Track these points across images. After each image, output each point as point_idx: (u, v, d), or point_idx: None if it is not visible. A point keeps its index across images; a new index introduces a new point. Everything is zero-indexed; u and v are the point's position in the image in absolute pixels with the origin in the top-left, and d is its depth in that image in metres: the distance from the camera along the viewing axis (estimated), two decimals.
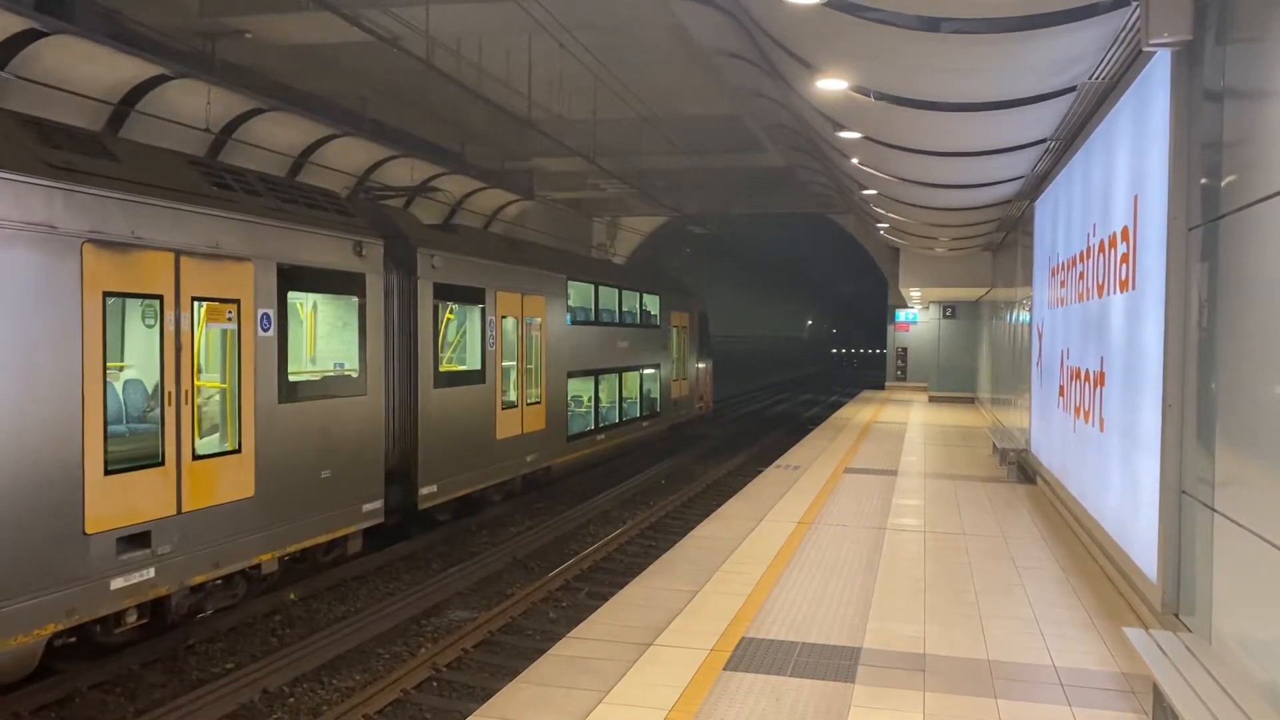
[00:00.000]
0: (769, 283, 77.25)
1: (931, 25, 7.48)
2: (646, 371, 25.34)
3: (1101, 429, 9.48)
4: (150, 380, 9.52)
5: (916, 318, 39.06)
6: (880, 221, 23.25)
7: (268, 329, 10.62)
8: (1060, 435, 12.36)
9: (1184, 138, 6.79)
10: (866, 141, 12.54)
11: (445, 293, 14.79)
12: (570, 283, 19.96)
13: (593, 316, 21.57)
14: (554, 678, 6.41)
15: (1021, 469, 15.60)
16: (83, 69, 13.58)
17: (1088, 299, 10.39)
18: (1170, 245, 6.88)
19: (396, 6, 15.20)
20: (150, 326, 9.43)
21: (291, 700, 9.08)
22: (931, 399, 34.74)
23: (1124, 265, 8.48)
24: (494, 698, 6.14)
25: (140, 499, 8.87)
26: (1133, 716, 5.94)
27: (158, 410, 9.23)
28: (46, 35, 12.57)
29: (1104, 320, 9.47)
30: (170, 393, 9.24)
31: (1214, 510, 6.07)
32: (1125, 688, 6.42)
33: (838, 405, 38.13)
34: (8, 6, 11.79)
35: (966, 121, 10.36)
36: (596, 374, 21.55)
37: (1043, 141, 11.85)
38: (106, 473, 8.49)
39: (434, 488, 14.37)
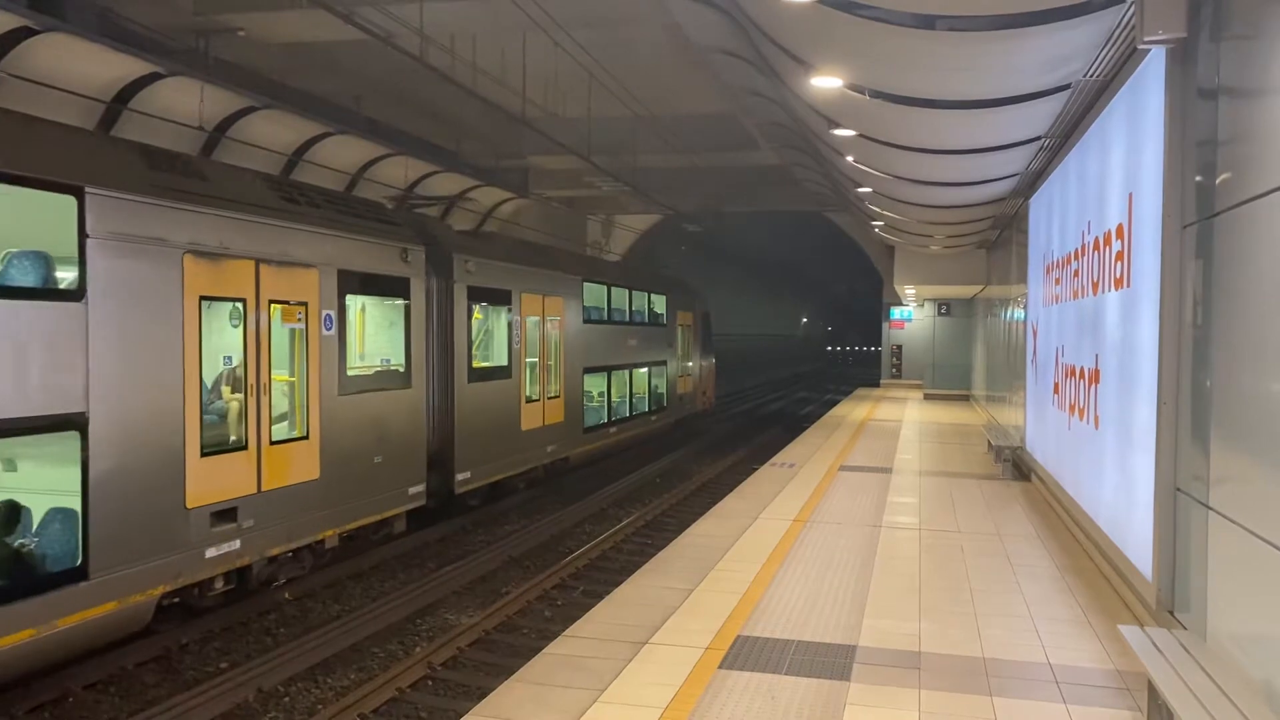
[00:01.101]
0: (764, 280, 77.30)
1: (926, 23, 7.48)
2: (654, 368, 26.40)
3: (1096, 426, 9.49)
4: (236, 374, 10.64)
5: (911, 315, 39.11)
6: (875, 219, 23.27)
7: (330, 328, 11.85)
8: (1055, 433, 12.37)
9: (1178, 135, 6.79)
10: (861, 139, 12.54)
11: (477, 295, 15.91)
12: (585, 284, 21.02)
13: (605, 316, 22.60)
14: (549, 676, 6.41)
15: (1016, 466, 15.62)
16: (76, 67, 13.54)
17: (1082, 296, 10.40)
18: (1165, 243, 6.88)
19: (390, 4, 15.16)
20: (235, 326, 10.56)
21: (286, 699, 9.06)
22: (926, 396, 34.78)
23: (1118, 263, 8.49)
24: (489, 696, 6.13)
25: (228, 479, 10.07)
26: (1128, 714, 5.95)
27: (242, 400, 10.40)
28: (39, 33, 12.53)
29: (1098, 318, 9.48)
30: (252, 385, 10.47)
31: (1209, 508, 6.07)
32: (1120, 685, 6.42)
33: (833, 403, 38.16)
34: (1, 5, 11.75)
35: (961, 119, 10.36)
36: (609, 370, 22.67)
37: (1037, 139, 11.86)
38: (202, 455, 9.68)
39: (468, 474, 15.57)
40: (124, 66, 14.20)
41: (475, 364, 15.96)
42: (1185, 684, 5.13)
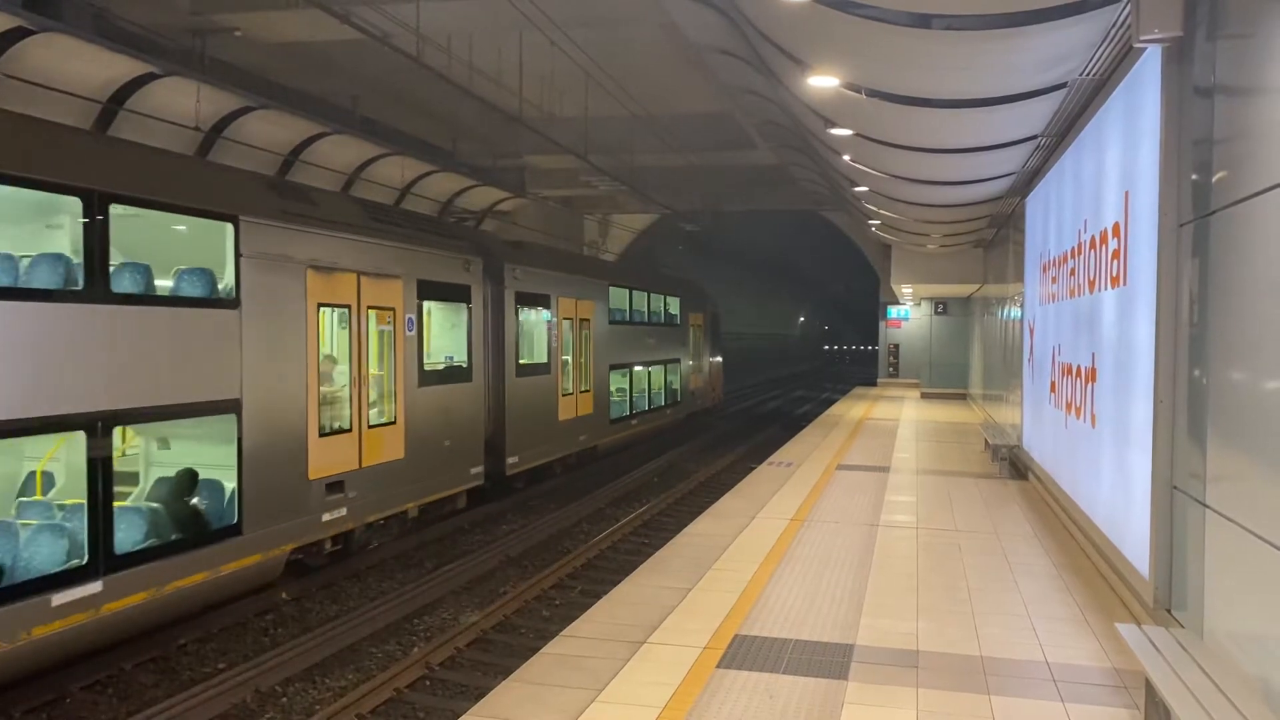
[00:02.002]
0: (761, 280, 77.30)
1: (922, 22, 7.48)
2: (670, 365, 28.33)
3: (1093, 425, 9.50)
4: (343, 368, 12.46)
5: (908, 314, 39.13)
6: (872, 218, 23.28)
7: (411, 330, 13.79)
8: (1052, 431, 12.38)
9: (1174, 134, 6.80)
10: (858, 138, 12.55)
11: (523, 299, 17.90)
12: (610, 288, 23.06)
13: (627, 317, 24.58)
14: (547, 676, 6.40)
15: (1014, 465, 15.63)
16: (71, 67, 13.52)
17: (1079, 295, 10.41)
18: (1161, 241, 6.89)
19: (387, 4, 15.15)
20: (343, 328, 12.45)
21: (284, 700, 9.05)
22: (924, 395, 34.80)
23: (1115, 261, 8.50)
24: (487, 696, 6.13)
25: (338, 456, 12.03)
26: (1125, 712, 5.96)
27: (347, 390, 12.33)
28: (35, 33, 12.50)
29: (1095, 316, 9.49)
30: (355, 377, 12.43)
31: (1205, 506, 6.08)
32: (1118, 683, 6.43)
33: (830, 402, 38.17)
34: None
35: (958, 118, 10.37)
36: (631, 367, 24.73)
37: (1034, 138, 11.87)
38: (320, 436, 11.67)
39: (516, 458, 17.56)
40: (120, 67, 14.18)
41: (521, 361, 17.84)
42: (1182, 682, 5.13)
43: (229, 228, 10.27)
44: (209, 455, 10.66)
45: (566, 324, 20.02)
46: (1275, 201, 5.01)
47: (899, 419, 25.53)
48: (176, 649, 10.00)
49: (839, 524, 11.34)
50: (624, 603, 8.08)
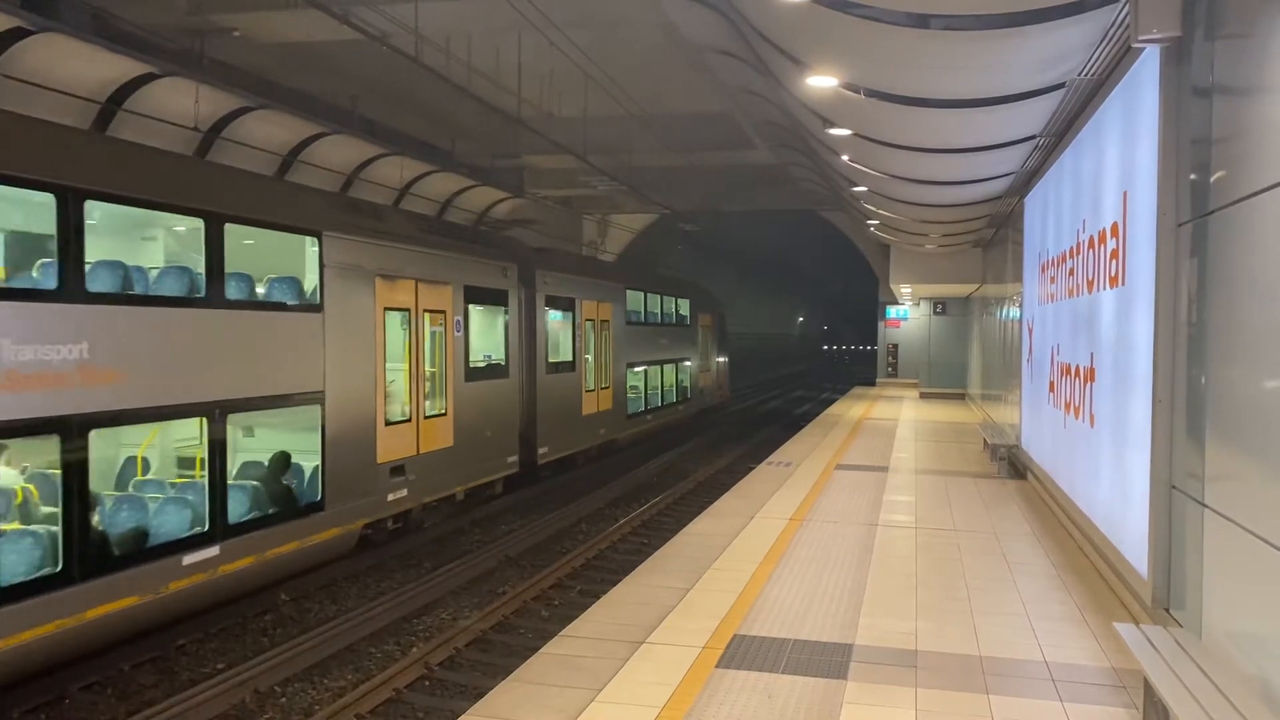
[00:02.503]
0: (760, 280, 77.31)
1: (921, 22, 7.49)
2: (681, 364, 29.98)
3: (1092, 425, 9.51)
4: (404, 365, 13.81)
5: (907, 314, 39.13)
6: (871, 218, 23.29)
7: (459, 331, 15.26)
8: (1051, 431, 12.39)
9: (1173, 134, 6.81)
10: (856, 138, 12.55)
11: (551, 302, 19.44)
12: (627, 290, 24.51)
13: (642, 318, 26.08)
14: (546, 676, 6.41)
15: (1012, 465, 15.63)
16: (70, 67, 13.51)
17: (1078, 295, 10.42)
18: (1159, 241, 6.89)
19: (385, 4, 15.15)
20: (404, 329, 13.79)
21: (283, 700, 9.05)
22: (923, 395, 34.81)
23: (1114, 261, 8.50)
24: (486, 696, 6.13)
25: (400, 443, 13.50)
26: (1123, 711, 5.96)
27: (408, 384, 13.81)
28: (33, 33, 12.50)
29: (1094, 316, 9.49)
30: (414, 373, 13.88)
31: (1204, 505, 6.08)
32: (1116, 682, 6.44)
33: (829, 402, 38.17)
34: None
35: (956, 118, 10.37)
36: (645, 365, 26.23)
37: (1032, 138, 11.87)
38: (386, 425, 13.10)
39: (546, 449, 19.08)
40: (119, 67, 14.17)
41: (550, 359, 19.41)
42: (1181, 681, 5.14)
43: (315, 241, 11.86)
44: (297, 441, 12.12)
45: (589, 325, 21.56)
46: (1273, 201, 5.02)
47: (898, 419, 25.54)
48: (175, 649, 9.99)
49: (838, 524, 11.35)
50: (623, 603, 8.08)
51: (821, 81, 9.84)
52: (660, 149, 26.94)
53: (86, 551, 8.57)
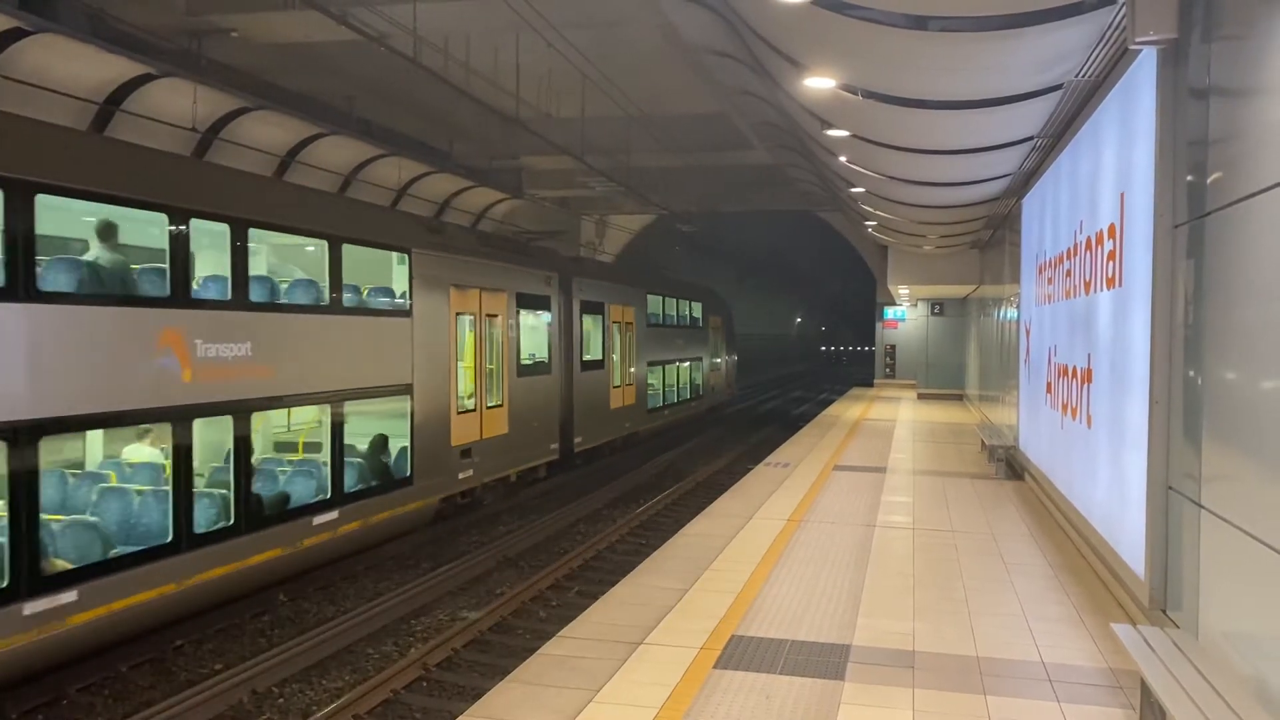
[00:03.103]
0: (758, 280, 77.36)
1: (919, 23, 7.49)
2: (694, 363, 32.24)
3: (1089, 426, 9.52)
4: (470, 362, 15.80)
5: (905, 315, 39.14)
6: (868, 219, 23.30)
7: (512, 332, 17.32)
8: (1048, 432, 12.40)
9: (1169, 135, 6.82)
10: (854, 140, 12.56)
11: (585, 307, 21.41)
12: (648, 295, 26.71)
13: (661, 320, 28.22)
14: (544, 677, 6.41)
15: (1010, 466, 15.65)
16: (67, 68, 13.50)
17: (1075, 296, 10.43)
18: (1156, 242, 6.91)
19: (383, 5, 15.15)
20: (470, 331, 15.76)
21: (281, 701, 9.05)
22: (920, 396, 34.83)
23: (1110, 262, 8.52)
24: (484, 697, 6.14)
25: (467, 429, 15.56)
26: (1120, 712, 5.97)
27: (474, 378, 15.90)
28: (31, 34, 12.49)
29: (1091, 317, 9.51)
30: (477, 369, 15.92)
31: (1201, 506, 6.10)
32: (1113, 683, 6.45)
33: (827, 402, 38.18)
34: None
35: (954, 119, 10.38)
36: (664, 364, 28.44)
37: (1030, 139, 11.89)
38: (457, 413, 15.17)
39: (581, 438, 21.11)
40: (116, 67, 14.15)
41: (584, 358, 21.38)
42: (1178, 682, 5.15)
43: (406, 258, 13.93)
44: (391, 425, 14.00)
45: (615, 327, 23.60)
46: (1270, 203, 5.03)
47: (895, 420, 25.55)
48: (173, 650, 9.99)
49: (836, 524, 11.35)
50: (621, 603, 8.09)
51: (819, 83, 9.85)
52: (658, 150, 26.95)
53: (250, 510, 10.67)
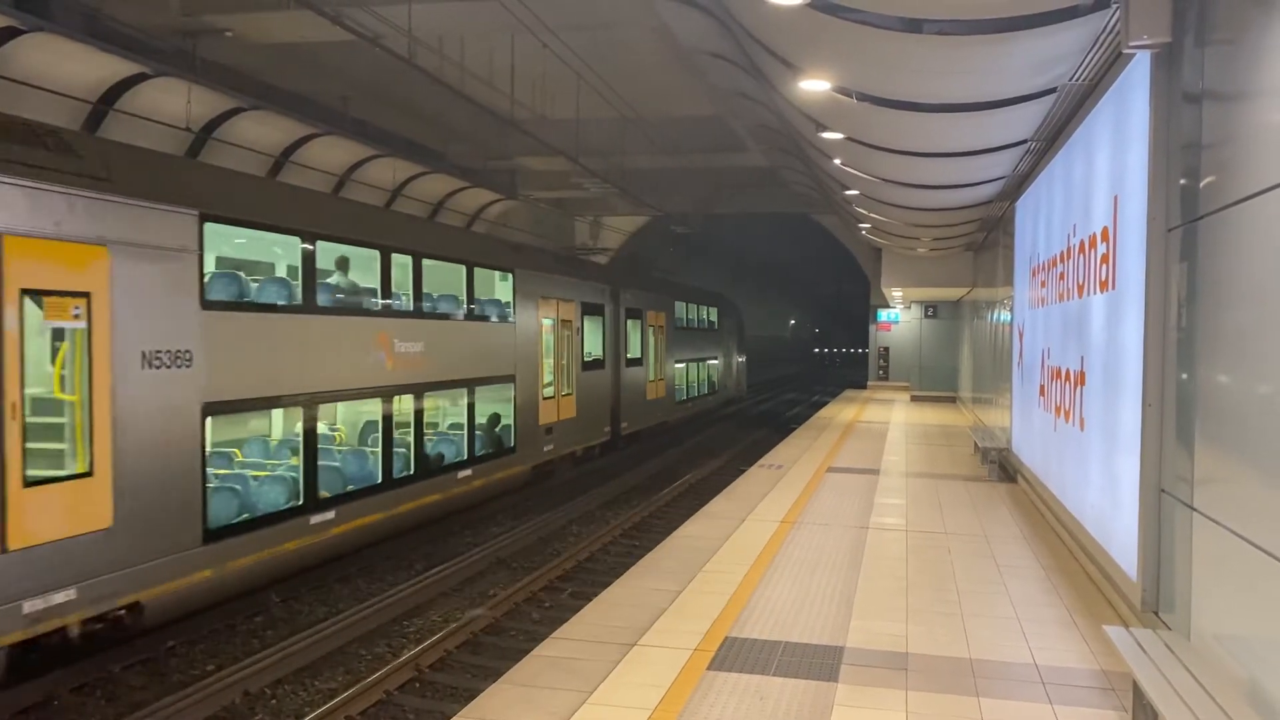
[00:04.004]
0: (752, 282, 77.42)
1: (913, 26, 7.51)
2: (712, 362, 36.48)
3: (1082, 428, 9.55)
4: (551, 358, 19.46)
5: (898, 317, 39.20)
6: (862, 222, 23.32)
7: (579, 335, 21.06)
8: (1041, 434, 12.43)
9: (1163, 139, 6.84)
10: (849, 142, 12.57)
11: (629, 313, 25.16)
12: (675, 302, 30.81)
13: (685, 324, 32.14)
14: (537, 678, 6.41)
15: (1003, 468, 15.68)
16: (61, 67, 13.48)
17: (1068, 299, 10.46)
18: (1150, 246, 6.93)
19: (378, 5, 15.13)
20: (551, 334, 19.42)
21: (274, 702, 9.04)
22: (914, 398, 34.87)
23: (1104, 265, 8.54)
24: (477, 699, 6.13)
25: (550, 412, 19.35)
26: (1113, 714, 5.99)
27: (552, 371, 19.51)
28: (25, 33, 12.46)
29: (1084, 320, 9.53)
30: (555, 364, 19.67)
31: (1193, 509, 6.12)
32: (1106, 685, 6.46)
33: (820, 404, 38.23)
34: None
35: (948, 122, 10.40)
36: (688, 362, 32.50)
37: (1024, 142, 11.92)
38: (543, 399, 18.90)
39: (626, 424, 24.83)
40: (110, 67, 14.14)
41: (628, 356, 25.09)
42: (1169, 684, 5.16)
43: (510, 276, 17.76)
44: (500, 407, 17.56)
45: (651, 330, 27.37)
46: (1263, 206, 5.05)
47: (889, 422, 25.59)
48: (165, 651, 9.97)
49: (829, 526, 11.37)
50: (614, 605, 8.09)
51: (814, 85, 9.87)
52: (652, 151, 26.96)
53: (423, 464, 14.67)
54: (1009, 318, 16.85)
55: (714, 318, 36.78)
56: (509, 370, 17.36)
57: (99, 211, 8.77)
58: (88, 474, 8.56)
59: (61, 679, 8.91)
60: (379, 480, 13.29)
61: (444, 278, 15.91)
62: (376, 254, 13.51)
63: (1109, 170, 8.46)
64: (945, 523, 11.79)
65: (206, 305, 10.14)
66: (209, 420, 10.22)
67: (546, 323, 19.14)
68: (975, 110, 9.87)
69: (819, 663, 6.76)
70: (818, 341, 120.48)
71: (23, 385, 7.98)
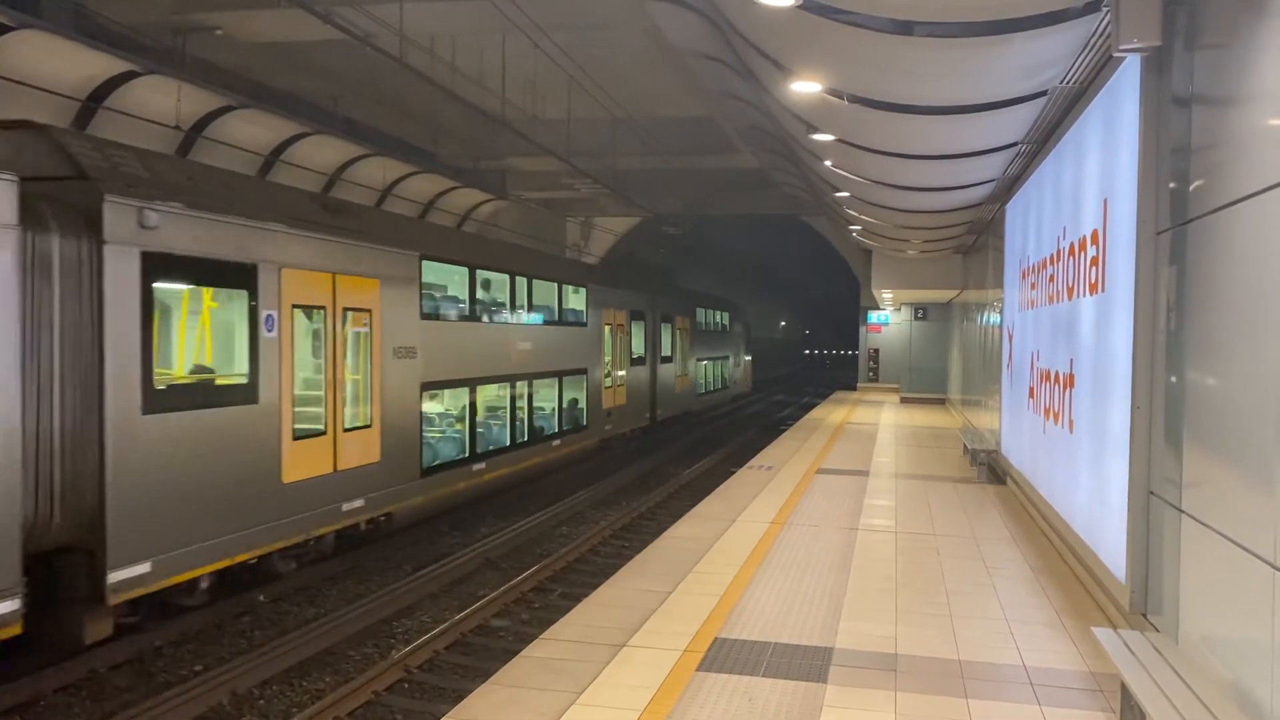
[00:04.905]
0: (743, 284, 77.45)
1: (904, 29, 7.52)
2: (724, 361, 41.46)
3: (1071, 430, 9.57)
4: (609, 356, 24.02)
5: (888, 319, 39.27)
6: (853, 224, 23.37)
7: (628, 337, 25.84)
8: (1030, 437, 12.46)
9: (1153, 143, 6.86)
10: (840, 144, 12.59)
11: (662, 318, 29.98)
12: (697, 308, 35.59)
13: (704, 327, 36.86)
14: (526, 679, 6.39)
15: (992, 470, 15.71)
16: (50, 64, 13.41)
17: (1057, 301, 10.49)
18: (1139, 249, 6.95)
19: (369, 4, 15.10)
20: (611, 336, 24.00)
21: (261, 703, 9.00)
22: (903, 400, 34.94)
23: (1093, 268, 8.56)
24: (465, 700, 6.12)
25: (609, 398, 23.98)
26: (1101, 715, 6.00)
27: (609, 366, 24.07)
28: (13, 29, 12.40)
29: (1073, 323, 9.56)
30: (611, 360, 24.09)
31: (1181, 511, 6.14)
32: (1094, 687, 6.48)
33: (810, 406, 38.28)
34: None
35: (939, 125, 10.42)
36: (706, 360, 37.46)
37: (1014, 145, 11.95)
38: (604, 388, 23.60)
39: (660, 411, 29.72)
40: (99, 64, 14.08)
41: (662, 355, 29.78)
42: (1157, 685, 5.18)
43: (585, 289, 22.39)
44: (577, 393, 21.94)
45: (679, 332, 32.23)
46: (1251, 210, 5.07)
47: (878, 423, 25.63)
48: (153, 651, 9.92)
49: (819, 527, 11.38)
50: (604, 606, 8.08)
51: (805, 87, 9.87)
52: (643, 152, 26.96)
53: (533, 433, 19.25)
54: (999, 320, 16.89)
55: (726, 321, 41.95)
56: (584, 365, 22.14)
57: (374, 257, 13.40)
58: (368, 426, 13.31)
59: (46, 678, 8.85)
60: (507, 444, 18.19)
61: (544, 292, 20.12)
62: (506, 277, 18.30)
63: (1099, 173, 8.48)
64: (934, 524, 11.81)
65: (423, 316, 14.95)
66: (423, 394, 14.89)
67: (607, 328, 23.90)
68: (966, 113, 9.89)
69: (808, 664, 6.76)
70: (808, 343, 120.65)
71: (337, 369, 12.52)
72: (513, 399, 18.30)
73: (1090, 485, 8.63)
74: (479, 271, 16.98)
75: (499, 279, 18.06)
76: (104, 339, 8.82)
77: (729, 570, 9.28)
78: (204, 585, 10.33)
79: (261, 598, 11.68)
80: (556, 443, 20.40)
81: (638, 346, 27.09)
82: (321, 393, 12.26)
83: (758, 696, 6.16)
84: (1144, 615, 6.95)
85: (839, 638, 7.35)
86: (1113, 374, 7.72)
